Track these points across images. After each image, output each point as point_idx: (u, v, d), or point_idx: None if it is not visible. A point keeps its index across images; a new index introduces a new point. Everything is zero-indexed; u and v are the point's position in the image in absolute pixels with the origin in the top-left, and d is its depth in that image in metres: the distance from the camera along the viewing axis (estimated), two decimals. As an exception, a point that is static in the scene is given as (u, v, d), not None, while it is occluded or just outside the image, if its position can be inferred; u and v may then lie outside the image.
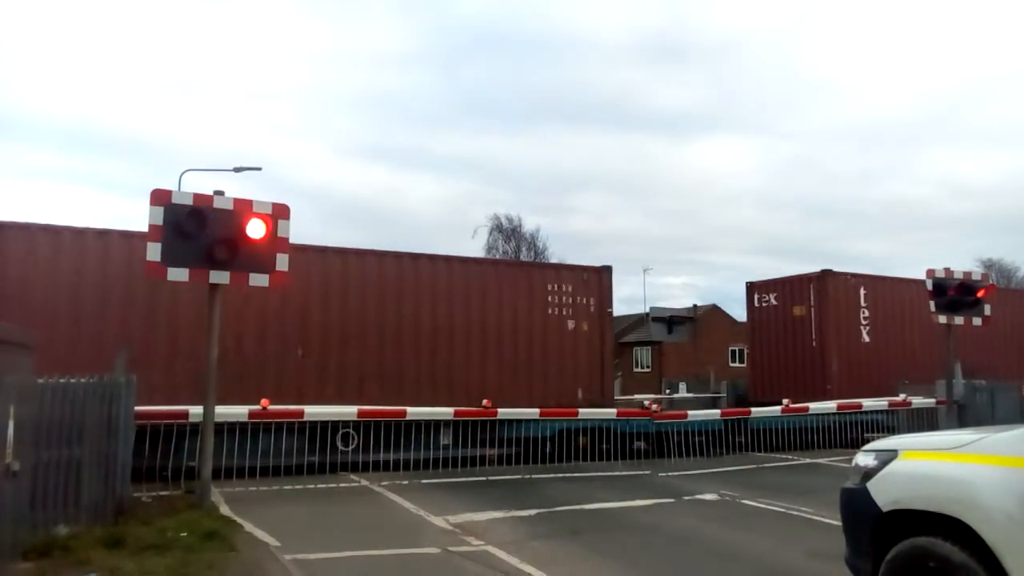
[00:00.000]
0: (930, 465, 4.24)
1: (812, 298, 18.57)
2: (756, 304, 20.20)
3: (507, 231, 58.65)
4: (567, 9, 72.49)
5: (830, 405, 16.07)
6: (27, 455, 6.39)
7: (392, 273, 14.47)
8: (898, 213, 75.98)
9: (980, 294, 14.52)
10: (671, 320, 20.66)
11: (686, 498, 10.43)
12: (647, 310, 37.53)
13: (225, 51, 78.27)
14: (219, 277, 9.03)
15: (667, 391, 24.19)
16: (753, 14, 74.16)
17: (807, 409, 15.65)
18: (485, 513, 9.17)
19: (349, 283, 14.06)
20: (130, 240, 12.17)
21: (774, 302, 19.63)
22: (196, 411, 9.78)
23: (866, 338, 18.64)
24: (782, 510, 9.49)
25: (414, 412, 12.80)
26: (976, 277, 14.92)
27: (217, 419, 9.57)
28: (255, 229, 9.06)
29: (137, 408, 9.11)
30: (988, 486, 3.83)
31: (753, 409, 15.58)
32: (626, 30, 72.87)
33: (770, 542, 7.86)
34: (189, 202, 8.90)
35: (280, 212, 9.30)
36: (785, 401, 15.52)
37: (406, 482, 11.45)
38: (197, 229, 8.82)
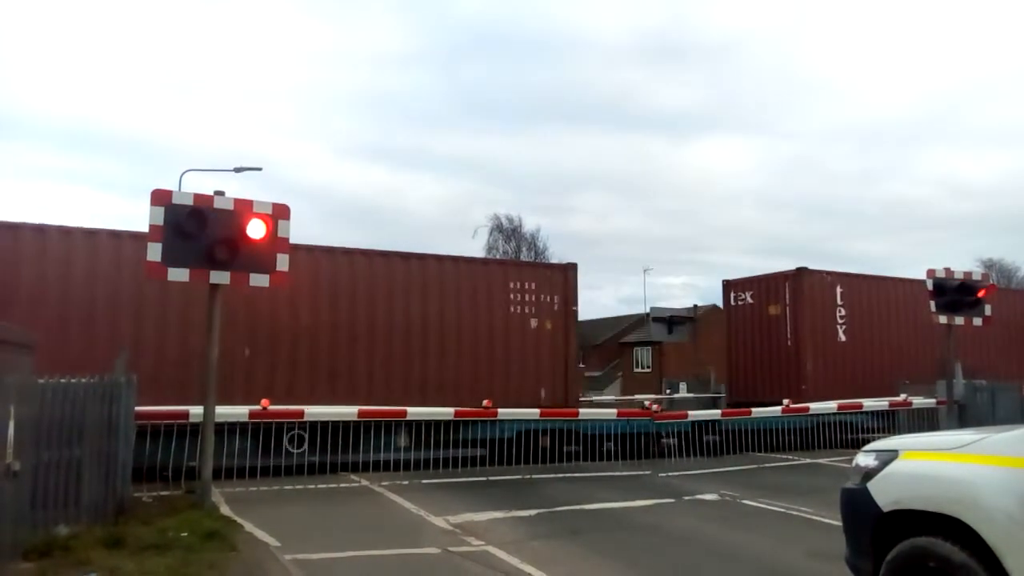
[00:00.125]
0: (931, 465, 4.24)
1: (787, 296, 18.21)
2: (732, 303, 19.87)
3: (507, 231, 58.68)
4: (567, 9, 72.53)
5: (831, 405, 16.03)
6: (27, 455, 6.39)
7: (344, 271, 13.91)
8: (898, 213, 76.02)
9: (980, 294, 14.51)
10: (671, 320, 20.58)
11: (686, 498, 10.43)
12: (647, 310, 37.59)
13: (225, 51, 78.31)
14: (219, 277, 9.03)
15: (667, 391, 24.16)
16: (753, 14, 74.18)
17: (807, 409, 15.63)
18: (485, 513, 9.17)
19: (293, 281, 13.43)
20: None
21: (750, 300, 19.26)
22: (196, 411, 9.78)
23: (842, 337, 18.26)
24: (782, 510, 9.49)
25: (415, 412, 12.68)
26: (976, 277, 14.92)
27: (218, 419, 9.58)
28: (255, 229, 9.06)
29: (137, 408, 9.13)
30: (989, 486, 3.83)
31: (754, 409, 15.53)
32: (626, 30, 72.92)
33: (770, 542, 7.86)
34: (189, 202, 8.90)
35: (280, 212, 9.30)
36: (786, 401, 15.49)
37: (406, 482, 11.45)
38: (197, 229, 8.82)
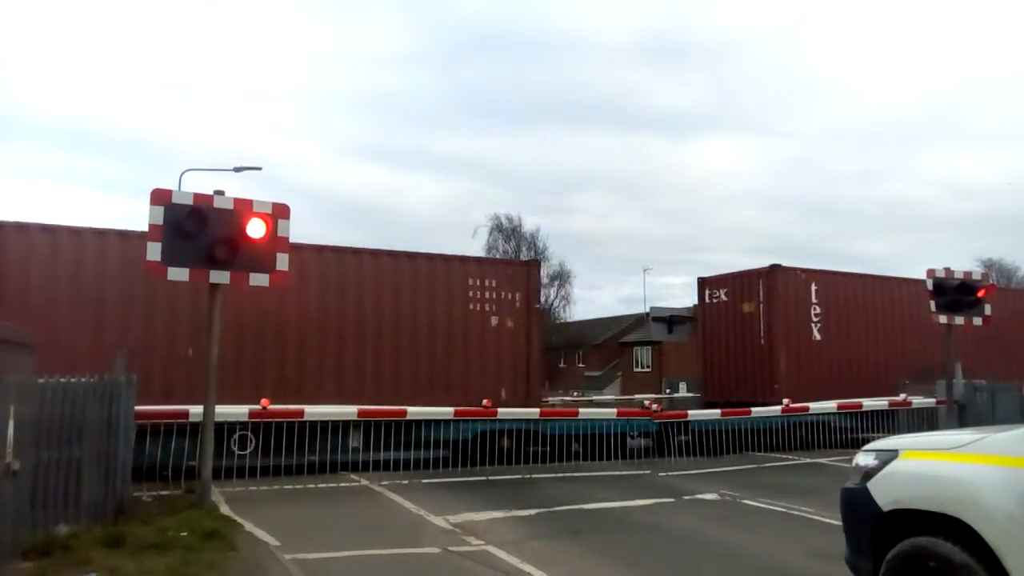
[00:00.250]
0: (930, 465, 4.24)
1: (761, 294, 17.77)
2: (707, 300, 19.41)
3: (507, 231, 58.68)
4: (567, 9, 72.55)
5: (830, 405, 16.02)
6: (27, 455, 6.39)
7: (294, 266, 13.01)
8: (898, 213, 76.04)
9: (980, 294, 14.50)
10: (671, 320, 20.57)
11: (686, 498, 10.43)
12: (647, 310, 37.60)
13: (225, 51, 78.30)
14: (219, 277, 9.03)
15: (667, 391, 24.19)
16: (753, 14, 74.18)
17: (807, 409, 15.62)
18: (485, 513, 9.17)
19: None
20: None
21: (724, 298, 18.79)
22: (196, 410, 9.77)
23: (817, 336, 17.84)
24: (782, 510, 9.49)
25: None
26: (976, 277, 14.92)
27: (218, 419, 9.58)
28: (255, 229, 9.06)
29: (137, 408, 9.13)
30: (989, 486, 3.83)
31: (754, 409, 15.52)
32: (626, 30, 72.94)
33: (770, 542, 7.86)
34: (189, 202, 8.89)
35: (280, 212, 9.29)
36: (785, 401, 15.47)
37: (406, 482, 11.45)
38: (197, 229, 8.82)
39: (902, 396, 16.57)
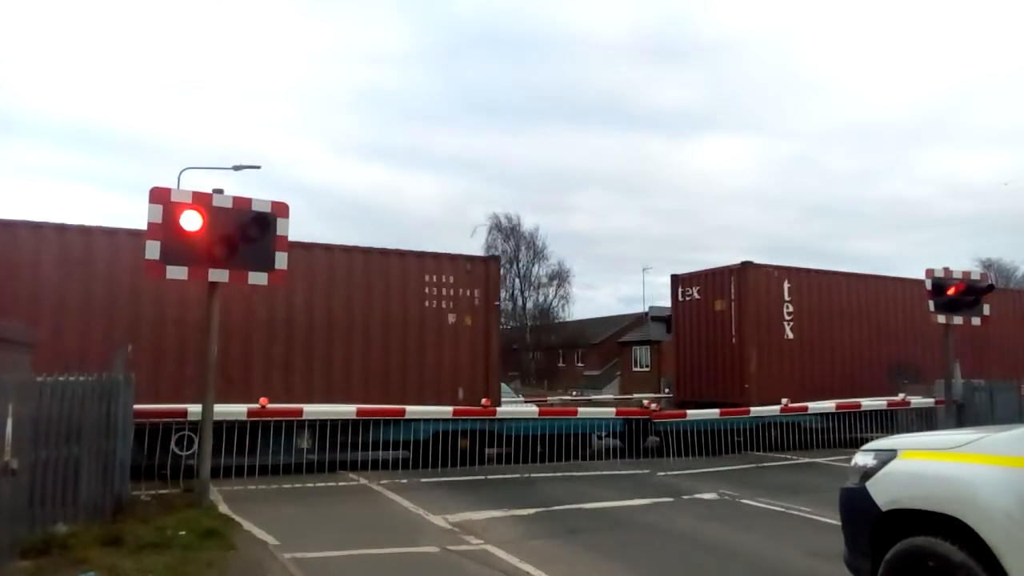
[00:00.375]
0: (929, 465, 4.23)
1: (733, 291, 17.31)
2: (680, 298, 18.97)
3: (506, 230, 58.75)
4: (566, 8, 72.51)
5: (829, 404, 16.01)
6: (26, 453, 6.38)
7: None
8: (897, 212, 76.13)
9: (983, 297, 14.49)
10: (670, 319, 20.52)
11: (685, 497, 10.43)
12: (646, 309, 37.59)
13: (225, 50, 78.22)
14: (218, 275, 9.02)
15: (666, 390, 24.12)
16: (752, 13, 74.16)
17: (806, 408, 15.61)
18: (484, 512, 9.16)
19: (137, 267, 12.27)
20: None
21: (696, 296, 18.33)
22: (195, 409, 9.77)
23: (789, 334, 17.35)
24: (781, 509, 9.49)
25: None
26: (975, 277, 14.92)
27: (217, 417, 9.58)
28: (254, 227, 9.05)
29: (136, 407, 9.13)
30: (987, 486, 3.82)
31: (752, 409, 15.50)
32: (626, 29, 72.91)
33: (769, 541, 7.86)
34: (188, 200, 8.89)
35: (279, 210, 9.29)
36: (784, 400, 15.46)
37: (405, 481, 11.44)
38: (196, 227, 8.81)
39: (900, 396, 16.56)
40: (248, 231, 9.01)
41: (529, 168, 74.40)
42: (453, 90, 74.25)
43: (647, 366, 45.37)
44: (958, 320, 14.47)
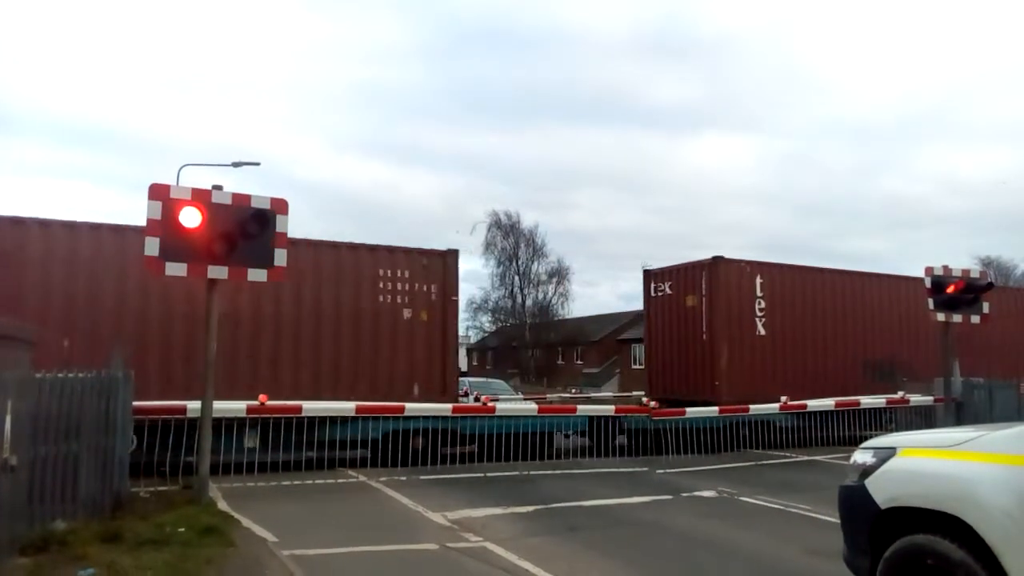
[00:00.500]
0: (928, 463, 4.23)
1: (704, 287, 16.87)
2: (652, 294, 18.49)
3: (505, 227, 58.84)
4: (565, 5, 72.43)
5: (828, 403, 16.00)
6: (24, 450, 6.38)
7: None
8: (897, 210, 76.13)
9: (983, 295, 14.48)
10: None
11: (684, 495, 10.44)
12: (646, 307, 37.49)
13: (224, 47, 78.13)
14: (217, 272, 9.02)
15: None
16: (751, 11, 74.10)
17: (805, 406, 15.61)
18: (483, 509, 9.17)
19: (111, 263, 12.02)
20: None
21: (668, 291, 17.91)
22: (194, 406, 9.76)
23: (761, 331, 16.90)
24: (780, 507, 9.49)
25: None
26: (975, 275, 14.91)
27: (216, 415, 9.57)
28: (253, 224, 9.04)
29: (135, 403, 9.12)
30: (987, 484, 3.83)
31: (752, 407, 15.48)
32: (625, 27, 72.85)
33: (768, 539, 7.87)
34: (187, 197, 8.87)
35: (279, 207, 9.28)
36: (783, 398, 15.46)
37: (404, 478, 11.44)
38: (196, 224, 8.80)
39: (900, 394, 16.57)
40: (247, 228, 9.00)
41: (528, 165, 74.49)
42: (452, 87, 74.31)
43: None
44: (957, 318, 14.46)
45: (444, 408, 13.22)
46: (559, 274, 59.50)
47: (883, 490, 4.38)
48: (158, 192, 8.74)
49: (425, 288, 14.58)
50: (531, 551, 7.08)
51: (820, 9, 79.42)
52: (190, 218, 8.74)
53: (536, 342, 57.19)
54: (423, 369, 14.39)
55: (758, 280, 17.09)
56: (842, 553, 4.81)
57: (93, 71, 74.89)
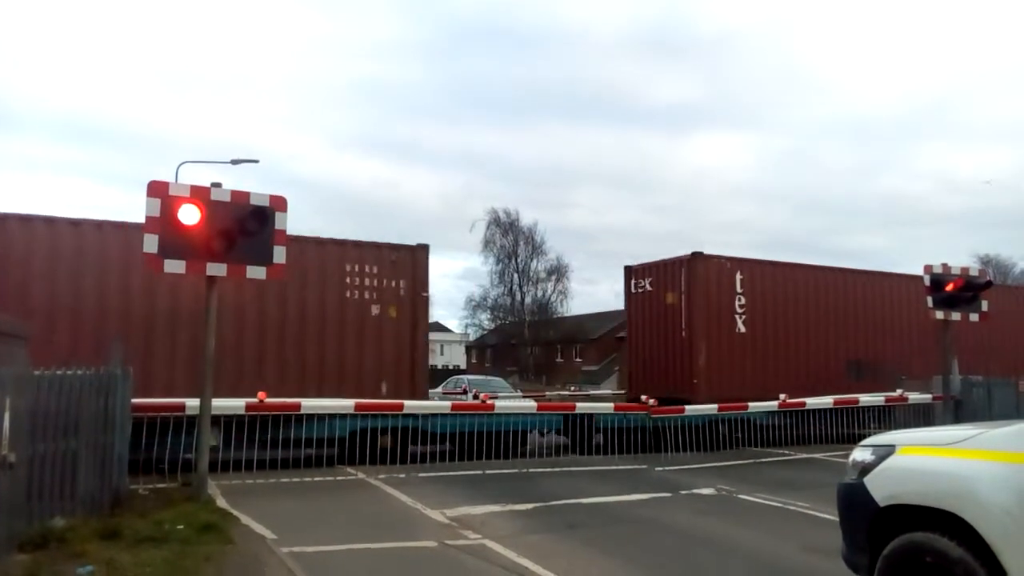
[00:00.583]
0: (927, 460, 4.24)
1: (683, 283, 16.64)
2: (632, 291, 18.19)
3: (505, 225, 58.91)
4: (565, 3, 72.37)
5: (826, 401, 15.98)
6: (23, 447, 6.37)
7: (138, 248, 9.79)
8: (896, 208, 76.21)
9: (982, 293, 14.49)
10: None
11: (683, 492, 10.44)
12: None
13: (223, 44, 78.04)
14: (216, 269, 9.01)
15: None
16: (750, 9, 74.06)
17: (804, 404, 15.59)
18: (482, 507, 9.17)
19: (66, 260, 11.88)
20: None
21: (649, 288, 17.63)
22: (193, 403, 9.75)
23: (741, 328, 16.70)
24: (779, 505, 9.50)
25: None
26: (974, 273, 14.91)
27: (214, 412, 9.56)
28: (252, 221, 9.03)
29: (134, 400, 9.12)
30: (985, 482, 3.83)
31: (751, 404, 15.47)
32: (624, 25, 72.82)
33: (767, 537, 7.87)
34: (186, 194, 8.86)
35: (278, 204, 9.27)
36: (782, 396, 15.44)
37: (403, 475, 11.44)
38: (194, 221, 8.79)
39: (899, 392, 16.57)
40: (246, 225, 9.00)
41: (528, 163, 74.50)
42: (452, 85, 74.31)
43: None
44: (956, 316, 14.46)
45: (444, 406, 13.13)
46: (558, 272, 59.61)
47: (882, 488, 4.39)
48: (157, 189, 8.73)
49: (394, 284, 14.29)
50: (530, 548, 7.08)
51: (820, 8, 79.42)
52: (189, 215, 8.73)
53: (535, 340, 57.26)
54: (392, 366, 14.11)
55: (738, 276, 16.89)
56: (841, 551, 4.81)
57: (94, 68, 74.86)
